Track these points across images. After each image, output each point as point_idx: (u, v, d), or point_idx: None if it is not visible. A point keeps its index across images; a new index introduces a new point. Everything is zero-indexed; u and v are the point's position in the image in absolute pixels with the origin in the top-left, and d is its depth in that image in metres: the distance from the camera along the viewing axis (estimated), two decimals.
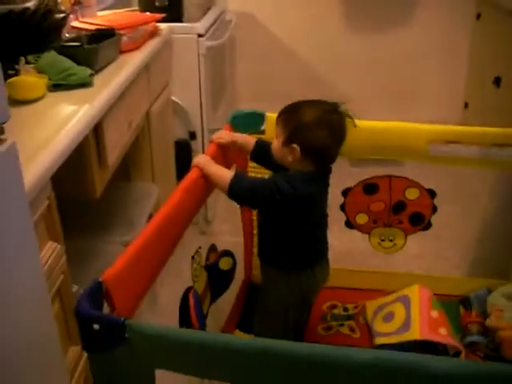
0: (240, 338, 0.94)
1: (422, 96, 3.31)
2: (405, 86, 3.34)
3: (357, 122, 1.81)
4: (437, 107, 2.96)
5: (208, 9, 2.90)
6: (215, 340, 0.94)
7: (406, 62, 3.30)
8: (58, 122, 1.46)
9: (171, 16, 2.54)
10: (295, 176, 1.50)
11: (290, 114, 1.53)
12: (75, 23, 2.15)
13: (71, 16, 2.16)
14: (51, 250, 1.30)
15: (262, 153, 1.68)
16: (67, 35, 2.04)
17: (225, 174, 1.52)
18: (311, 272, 1.65)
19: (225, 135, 1.71)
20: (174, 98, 2.60)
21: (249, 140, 1.72)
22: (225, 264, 1.71)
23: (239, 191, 1.51)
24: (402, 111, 2.90)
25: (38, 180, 1.19)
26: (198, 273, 1.56)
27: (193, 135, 2.73)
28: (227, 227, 2.74)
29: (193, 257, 1.54)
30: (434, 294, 1.87)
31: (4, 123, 1.01)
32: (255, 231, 2.01)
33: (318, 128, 1.48)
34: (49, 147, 1.31)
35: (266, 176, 1.70)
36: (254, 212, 1.98)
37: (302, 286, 1.65)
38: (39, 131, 1.41)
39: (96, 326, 0.98)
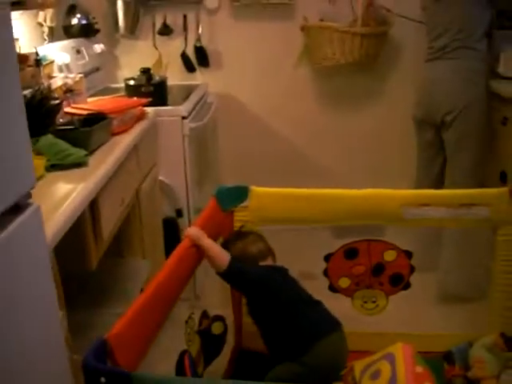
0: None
1: (397, 166, 3.48)
2: (380, 157, 3.52)
3: (334, 191, 1.96)
4: (412, 175, 3.12)
5: (190, 92, 3.08)
6: None
7: (381, 133, 3.49)
8: (57, 199, 1.57)
9: (156, 100, 2.70)
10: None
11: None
12: (68, 109, 2.30)
13: (64, 102, 2.31)
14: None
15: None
16: (61, 120, 2.18)
17: (222, 255, 1.70)
18: (315, 350, 1.70)
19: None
20: (161, 177, 2.73)
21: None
22: (217, 328, 1.79)
23: (234, 276, 1.71)
24: (378, 181, 3.05)
25: None
26: (191, 337, 1.64)
27: (179, 213, 2.85)
28: (216, 300, 2.80)
29: (186, 321, 1.63)
30: (418, 352, 1.95)
31: (32, 189, 1.18)
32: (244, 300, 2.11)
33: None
34: (49, 223, 1.40)
35: None
36: None
37: (312, 366, 1.69)
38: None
39: (103, 379, 1.06)
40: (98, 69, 3.25)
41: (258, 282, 1.71)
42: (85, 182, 1.69)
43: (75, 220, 1.55)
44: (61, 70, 2.74)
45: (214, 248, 1.68)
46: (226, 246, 1.82)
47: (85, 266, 1.76)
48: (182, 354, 1.56)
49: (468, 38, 2.70)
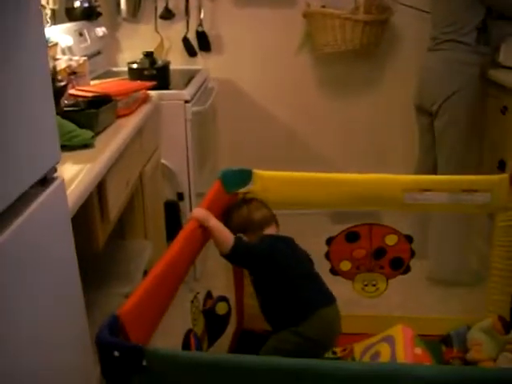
0: (252, 356, 1.05)
1: (395, 152, 3.52)
2: (381, 144, 3.56)
3: (337, 175, 1.99)
4: (408, 162, 3.16)
5: (192, 77, 3.09)
6: (228, 360, 1.05)
7: (381, 121, 3.53)
8: (65, 180, 1.58)
9: (159, 84, 2.71)
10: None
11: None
12: (72, 91, 2.31)
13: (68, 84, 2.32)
14: None
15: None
16: (66, 102, 2.19)
17: (227, 236, 1.72)
18: (311, 321, 1.74)
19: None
20: (163, 160, 2.74)
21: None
22: (221, 309, 1.82)
23: (239, 256, 1.73)
24: (378, 167, 3.08)
25: None
26: (196, 316, 1.67)
27: (181, 196, 2.87)
28: (216, 283, 2.84)
29: (192, 301, 1.66)
30: (417, 335, 1.99)
31: (57, 163, 1.25)
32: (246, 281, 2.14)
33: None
34: None
35: None
36: None
37: (308, 336, 1.74)
38: None
39: (116, 353, 1.09)
40: (99, 52, 3.25)
41: (264, 257, 1.74)
42: (92, 163, 1.71)
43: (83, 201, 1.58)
44: (64, 52, 2.74)
45: (220, 229, 1.71)
46: (229, 213, 1.86)
47: (92, 247, 1.78)
48: (188, 332, 1.59)
49: (457, 31, 2.74)
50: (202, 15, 3.42)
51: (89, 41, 3.12)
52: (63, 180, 1.28)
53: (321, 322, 1.77)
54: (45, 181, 1.22)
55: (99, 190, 1.76)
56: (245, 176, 2.05)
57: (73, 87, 2.39)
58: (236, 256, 1.72)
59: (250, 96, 3.55)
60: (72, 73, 2.47)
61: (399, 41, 3.40)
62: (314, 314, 1.76)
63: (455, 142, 2.80)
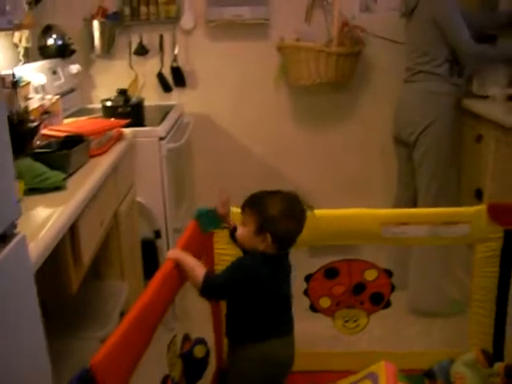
0: None
1: (373, 184, 3.52)
2: (359, 176, 3.55)
3: (316, 211, 1.96)
4: (386, 194, 3.16)
5: (167, 113, 3.07)
6: None
7: (359, 152, 3.53)
8: (36, 224, 1.54)
9: (133, 121, 2.69)
10: (258, 258, 1.66)
11: (257, 206, 1.68)
12: (45, 131, 2.27)
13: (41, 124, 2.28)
14: None
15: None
16: (38, 142, 2.15)
17: (198, 273, 1.64)
18: (270, 344, 1.72)
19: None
20: (138, 198, 2.71)
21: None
22: (199, 352, 1.78)
23: (212, 291, 1.67)
24: (357, 199, 3.08)
25: None
26: (173, 361, 1.63)
27: (158, 234, 2.83)
28: (195, 322, 2.79)
29: (168, 345, 1.61)
30: (400, 370, 1.96)
31: (17, 219, 1.19)
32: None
33: (286, 219, 1.66)
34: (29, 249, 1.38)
35: None
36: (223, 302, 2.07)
37: (262, 357, 1.72)
38: None
39: None
40: (73, 89, 3.23)
41: (232, 289, 1.68)
42: (63, 206, 1.67)
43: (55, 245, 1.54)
44: (37, 91, 2.71)
45: (192, 267, 1.65)
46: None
47: (65, 290, 1.74)
48: (165, 378, 1.55)
49: (430, 62, 2.78)
50: (176, 50, 3.41)
51: (62, 78, 3.10)
52: (24, 236, 1.22)
53: (282, 347, 1.76)
54: (4, 237, 1.16)
55: (72, 232, 1.72)
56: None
57: (45, 127, 2.36)
58: (207, 293, 1.67)
59: (226, 130, 3.54)
60: (45, 112, 2.44)
61: (373, 72, 3.41)
62: (278, 338, 1.75)
63: (433, 172, 2.80)
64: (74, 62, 3.28)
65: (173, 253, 1.67)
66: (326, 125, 3.53)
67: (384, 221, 1.96)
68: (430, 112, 2.77)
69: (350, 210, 1.99)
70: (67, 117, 2.84)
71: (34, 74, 2.77)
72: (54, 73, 3.04)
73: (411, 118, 2.85)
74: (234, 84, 3.47)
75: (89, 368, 1.14)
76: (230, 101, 3.50)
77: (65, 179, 1.83)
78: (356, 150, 3.53)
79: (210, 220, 1.99)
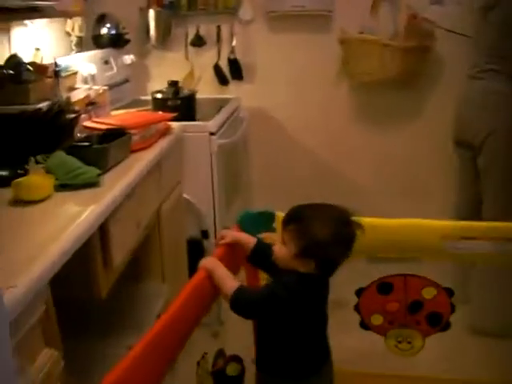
0: None
1: (433, 189, 3.29)
2: (419, 181, 3.33)
3: (371, 220, 1.78)
4: (446, 201, 2.93)
5: (222, 107, 2.94)
6: None
7: (420, 156, 3.30)
8: (61, 223, 1.44)
9: (183, 115, 2.57)
10: (296, 282, 1.45)
11: (302, 226, 1.46)
12: (87, 123, 2.17)
13: (83, 116, 2.19)
14: (47, 357, 1.24)
15: (261, 256, 1.62)
16: (78, 135, 2.06)
17: (227, 286, 1.47)
18: (315, 378, 1.55)
19: (227, 235, 1.68)
20: (185, 195, 2.59)
21: (250, 240, 1.67)
22: (232, 370, 1.62)
23: (240, 308, 1.46)
24: (416, 206, 2.87)
25: (34, 284, 1.15)
26: (203, 379, 1.49)
27: (205, 234, 2.70)
28: (242, 329, 2.65)
29: (198, 362, 1.47)
30: None
31: None
32: None
33: (334, 245, 1.43)
34: (48, 251, 1.27)
35: None
36: None
37: None
38: (41, 232, 1.39)
39: None
40: (127, 80, 3.15)
41: (266, 308, 1.46)
42: (94, 204, 1.55)
43: (82, 246, 1.42)
44: (86, 81, 2.63)
45: (223, 279, 1.47)
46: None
47: (93, 295, 1.62)
48: None
49: (500, 61, 2.54)
50: (234, 42, 3.28)
51: (115, 69, 3.02)
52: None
53: (325, 377, 1.59)
54: None
55: (102, 233, 1.60)
56: (267, 219, 1.87)
57: (89, 118, 2.27)
58: (237, 310, 1.46)
59: (284, 126, 3.39)
60: (90, 103, 2.35)
61: (442, 70, 3.17)
62: (319, 369, 1.57)
63: (502, 180, 2.56)
64: (128, 53, 3.20)
65: (205, 261, 1.52)
66: (387, 124, 3.32)
67: (445, 233, 1.76)
68: (498, 115, 2.53)
69: (406, 220, 1.80)
70: (119, 108, 2.75)
71: (85, 63, 2.69)
72: (106, 63, 2.96)
73: (477, 118, 2.61)
74: (293, 78, 3.31)
75: None
76: (289, 96, 3.34)
77: (100, 175, 1.72)
78: (417, 151, 3.30)
79: (254, 224, 1.83)
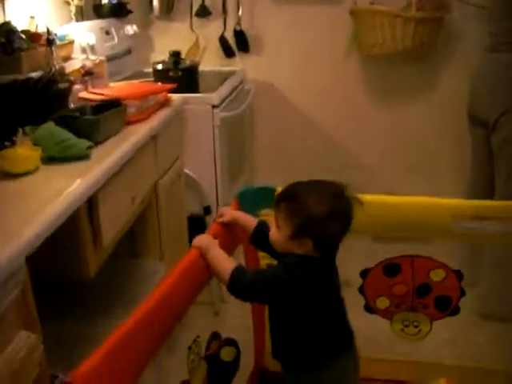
0: None
1: (445, 167, 3.18)
2: (431, 157, 3.21)
3: (378, 197, 1.68)
4: (459, 179, 2.81)
5: (226, 79, 2.84)
6: None
7: (432, 131, 3.17)
8: (46, 196, 1.35)
9: (185, 86, 2.47)
10: (297, 263, 1.36)
11: (295, 204, 1.36)
12: (83, 93, 2.08)
13: (78, 86, 2.09)
14: (23, 341, 1.15)
15: (262, 237, 1.52)
16: (72, 106, 1.97)
17: (225, 267, 1.37)
18: (334, 366, 1.46)
19: (226, 213, 1.58)
20: (186, 170, 2.49)
21: (250, 221, 1.58)
22: (226, 355, 1.54)
23: (239, 289, 1.37)
24: (427, 182, 2.76)
25: (7, 261, 1.07)
26: (195, 365, 1.40)
27: (207, 210, 2.62)
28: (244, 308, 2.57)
29: (189, 347, 1.38)
30: None
31: None
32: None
33: (331, 220, 1.34)
34: (27, 226, 1.19)
35: None
36: None
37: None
38: (23, 207, 1.30)
39: None
40: (129, 52, 3.04)
41: (269, 292, 1.37)
42: (82, 177, 1.46)
43: (69, 221, 1.35)
44: (84, 51, 2.53)
45: (218, 260, 1.38)
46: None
47: (81, 273, 1.54)
48: None
49: None
50: (240, 13, 3.15)
51: (116, 39, 2.91)
52: None
53: (347, 362, 1.49)
54: None
55: (90, 208, 1.51)
56: (268, 195, 1.77)
57: (86, 89, 2.17)
58: (235, 292, 1.37)
59: (291, 99, 3.27)
60: (87, 73, 2.25)
61: (457, 42, 3.02)
62: (339, 356, 1.47)
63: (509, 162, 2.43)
64: (130, 23, 3.08)
65: (199, 239, 1.43)
66: (399, 99, 3.18)
67: (456, 213, 1.65)
68: None
69: (415, 198, 1.70)
70: (120, 81, 2.65)
71: (84, 33, 2.58)
72: (107, 33, 2.85)
73: (491, 94, 2.48)
74: (301, 51, 3.18)
75: (69, 381, 0.92)
76: (297, 69, 3.22)
77: (91, 148, 1.63)
78: (429, 127, 3.16)
79: (254, 200, 1.74)
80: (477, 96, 2.57)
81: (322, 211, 1.33)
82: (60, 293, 1.79)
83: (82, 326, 1.70)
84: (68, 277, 1.58)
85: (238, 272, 1.36)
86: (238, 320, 2.41)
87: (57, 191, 1.37)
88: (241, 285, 1.35)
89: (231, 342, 1.57)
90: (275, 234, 1.40)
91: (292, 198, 1.38)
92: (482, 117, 2.51)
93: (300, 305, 1.39)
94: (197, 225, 2.58)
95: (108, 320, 1.79)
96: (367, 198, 1.56)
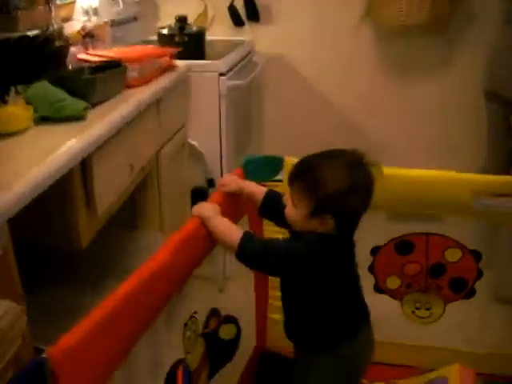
0: None
1: (463, 146, 3.06)
2: (448, 135, 3.09)
3: (390, 170, 1.57)
4: (478, 159, 2.69)
5: (234, 48, 2.72)
6: None
7: (450, 107, 3.05)
8: (34, 156, 1.25)
9: (191, 53, 2.37)
10: (316, 242, 1.26)
11: (311, 179, 1.25)
12: (82, 55, 1.97)
13: (77, 48, 1.99)
14: (3, 311, 1.06)
15: (272, 207, 1.43)
16: (70, 67, 1.86)
17: (232, 233, 1.28)
18: (351, 343, 1.37)
19: (231, 182, 1.48)
20: (190, 141, 2.39)
21: (258, 190, 1.47)
22: (226, 332, 1.44)
23: (249, 256, 1.27)
24: (442, 161, 2.64)
25: None
26: (192, 342, 1.31)
27: (211, 183, 2.51)
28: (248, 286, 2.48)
29: (185, 324, 1.29)
30: (480, 374, 1.58)
31: None
32: (272, 292, 1.77)
33: (351, 193, 1.23)
34: (11, 186, 1.09)
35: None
36: None
37: (343, 363, 1.38)
38: (10, 167, 1.20)
39: None
40: (135, 18, 2.92)
41: (283, 263, 1.26)
42: (76, 138, 1.36)
43: (61, 185, 1.27)
44: (87, 14, 2.41)
45: (223, 227, 1.28)
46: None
47: (73, 243, 1.44)
48: (175, 365, 1.22)
49: None
50: None
51: (121, 4, 2.78)
52: None
53: (363, 340, 1.41)
54: None
55: (84, 172, 1.41)
56: (274, 164, 1.68)
57: (86, 51, 2.06)
58: (246, 259, 1.27)
59: (302, 73, 3.14)
60: (88, 35, 2.14)
61: (475, 16, 2.88)
62: (357, 332, 1.39)
63: None
64: None
65: (200, 208, 1.32)
66: (415, 74, 3.05)
67: (476, 189, 1.54)
68: None
69: (432, 172, 1.59)
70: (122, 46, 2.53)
71: None
72: None
73: (510, 69, 2.34)
74: (312, 21, 3.04)
75: (46, 358, 0.83)
76: (308, 40, 3.08)
77: (86, 109, 1.52)
78: (447, 105, 3.03)
79: (260, 170, 1.64)
80: (494, 72, 2.44)
81: (341, 184, 1.22)
82: (49, 263, 1.69)
83: (72, 297, 1.60)
84: (58, 246, 1.48)
85: (247, 238, 1.26)
86: (241, 297, 2.31)
87: (47, 151, 1.27)
88: (252, 251, 1.25)
89: (231, 320, 1.47)
90: (293, 213, 1.30)
91: (307, 173, 1.27)
92: (501, 93, 2.39)
93: (316, 282, 1.30)
94: (200, 198, 2.47)
95: (99, 290, 1.70)
96: (384, 170, 1.45)
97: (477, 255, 1.64)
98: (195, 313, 1.33)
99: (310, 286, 1.31)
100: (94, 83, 1.59)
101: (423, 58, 3.01)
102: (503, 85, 2.37)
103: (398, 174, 1.60)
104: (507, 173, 2.37)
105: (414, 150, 3.07)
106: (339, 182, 1.23)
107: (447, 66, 3.00)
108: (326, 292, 1.32)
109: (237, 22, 3.11)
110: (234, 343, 1.49)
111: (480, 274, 1.66)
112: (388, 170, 1.57)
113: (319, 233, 1.26)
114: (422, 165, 1.67)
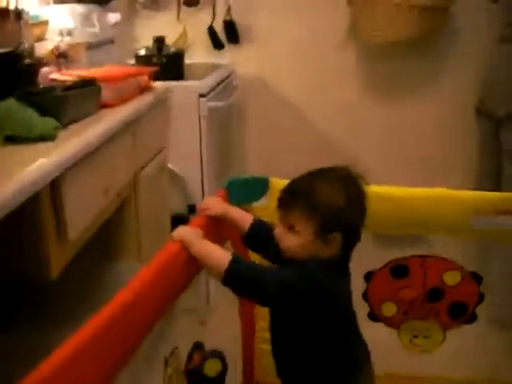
0: None
1: (451, 166, 2.99)
2: (431, 155, 3.04)
3: (383, 188, 1.49)
4: (471, 175, 2.63)
5: (213, 70, 2.66)
6: None
7: (436, 127, 3.02)
8: None
9: (170, 74, 2.31)
10: (312, 265, 1.17)
11: (308, 200, 1.19)
12: (55, 75, 1.88)
13: (47, 68, 1.89)
14: None
15: (260, 238, 1.35)
16: (41, 86, 1.76)
17: (220, 256, 1.17)
18: None
19: (214, 205, 1.38)
20: (170, 165, 2.29)
21: (244, 217, 1.39)
22: (211, 369, 1.32)
23: (240, 282, 1.17)
24: (429, 180, 2.58)
25: None
26: (173, 381, 1.19)
27: (192, 209, 2.42)
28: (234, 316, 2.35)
29: (166, 361, 1.17)
30: None
31: None
32: (261, 324, 1.66)
33: (353, 205, 1.20)
34: None
35: None
36: None
37: None
38: None
39: None
40: (111, 41, 2.84)
41: (282, 292, 1.16)
42: (45, 158, 1.25)
43: (30, 212, 1.18)
44: (62, 34, 2.33)
45: (211, 248, 1.19)
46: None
47: (42, 274, 1.32)
48: None
49: None
50: (230, 2, 2.98)
51: (97, 27, 2.70)
52: None
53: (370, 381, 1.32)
54: None
55: (53, 197, 1.30)
56: (259, 186, 1.58)
57: (59, 71, 1.97)
58: (233, 284, 1.16)
59: (284, 94, 3.10)
60: (61, 56, 2.06)
61: (461, 33, 2.87)
62: (359, 373, 1.29)
63: None
64: (113, 11, 2.88)
65: (184, 232, 1.22)
66: (401, 92, 3.03)
67: (474, 207, 1.46)
68: None
69: (426, 190, 1.52)
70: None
71: (62, 16, 2.39)
72: (88, 19, 2.65)
73: (505, 86, 2.32)
74: (294, 42, 3.02)
75: None
76: (290, 62, 3.06)
77: (57, 128, 1.41)
78: (434, 124, 3.01)
79: (244, 192, 1.55)
80: (487, 87, 2.41)
81: (342, 197, 1.18)
82: (15, 297, 1.57)
83: (37, 337, 1.48)
84: (26, 277, 1.36)
85: (236, 261, 1.15)
86: (226, 329, 2.18)
87: (11, 172, 1.16)
88: (241, 276, 1.15)
89: (217, 355, 1.35)
90: (293, 241, 1.20)
91: (304, 194, 1.21)
92: (492, 109, 2.35)
93: (316, 314, 1.20)
94: (180, 225, 2.38)
95: (75, 325, 1.57)
96: (372, 189, 1.36)
97: (477, 278, 1.56)
98: (176, 348, 1.22)
99: (309, 319, 1.20)
100: (66, 101, 1.49)
101: (410, 75, 3.01)
102: (497, 102, 2.34)
103: (389, 192, 1.52)
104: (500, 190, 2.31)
105: (400, 169, 3.00)
106: (340, 196, 1.19)
107: (434, 83, 2.99)
108: (328, 326, 1.22)
109: (216, 44, 3.08)
110: (219, 380, 1.37)
111: (481, 298, 1.57)
112: (379, 189, 1.49)
113: (321, 259, 1.18)
114: (409, 184, 1.60)
